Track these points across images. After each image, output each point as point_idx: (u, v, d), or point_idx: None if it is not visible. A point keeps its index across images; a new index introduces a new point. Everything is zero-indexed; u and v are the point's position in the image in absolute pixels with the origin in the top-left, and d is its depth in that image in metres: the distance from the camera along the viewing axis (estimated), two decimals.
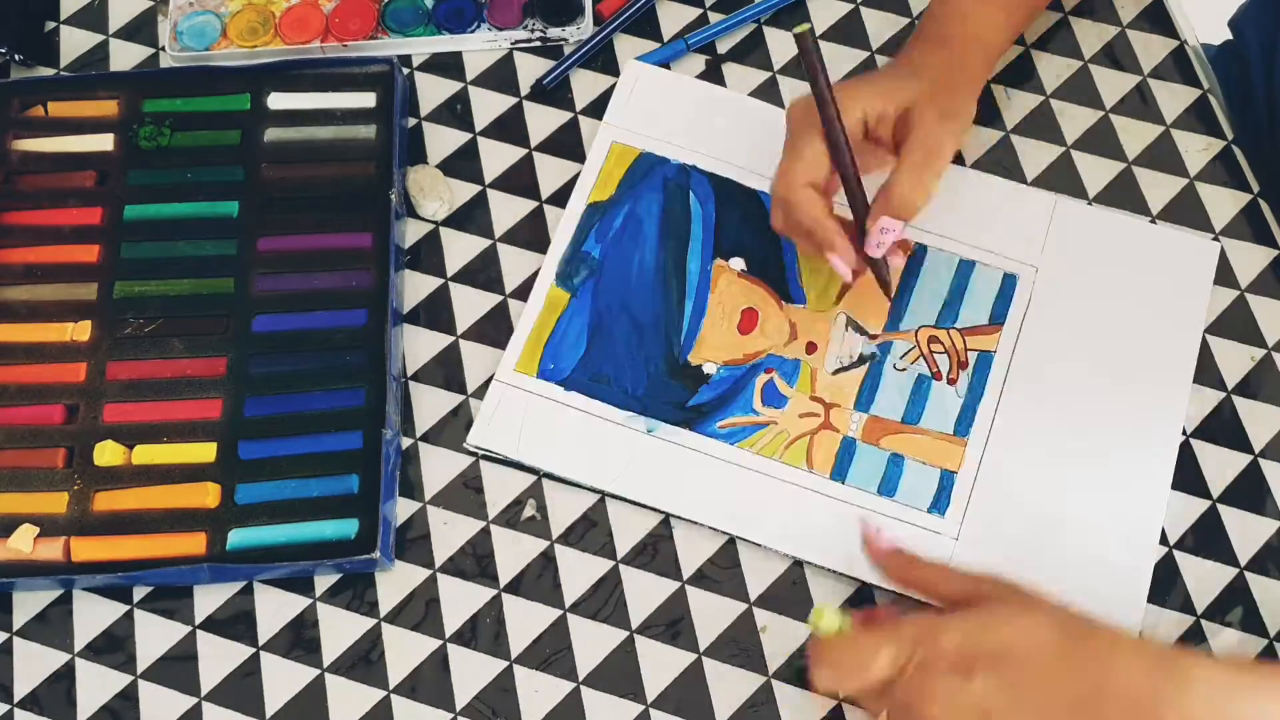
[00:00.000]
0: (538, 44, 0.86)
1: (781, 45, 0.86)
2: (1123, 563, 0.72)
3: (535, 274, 0.79)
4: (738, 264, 0.79)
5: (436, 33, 0.86)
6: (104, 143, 0.83)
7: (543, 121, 0.84)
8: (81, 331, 0.77)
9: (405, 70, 0.86)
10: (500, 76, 0.86)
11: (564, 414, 0.75)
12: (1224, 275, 0.79)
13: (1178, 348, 0.77)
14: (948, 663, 0.60)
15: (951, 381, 0.76)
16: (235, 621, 0.72)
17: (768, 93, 0.84)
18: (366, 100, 0.83)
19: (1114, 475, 0.74)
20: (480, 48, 0.86)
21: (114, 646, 0.72)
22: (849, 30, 0.86)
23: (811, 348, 0.77)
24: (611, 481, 0.74)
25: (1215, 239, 0.79)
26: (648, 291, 0.78)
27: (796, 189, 0.69)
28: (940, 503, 0.73)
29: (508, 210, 0.82)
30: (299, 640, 0.72)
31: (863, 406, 0.76)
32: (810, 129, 0.69)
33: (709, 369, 0.76)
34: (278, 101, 0.84)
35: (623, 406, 0.75)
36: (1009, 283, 0.78)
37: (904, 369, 0.76)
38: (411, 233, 0.82)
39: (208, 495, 0.73)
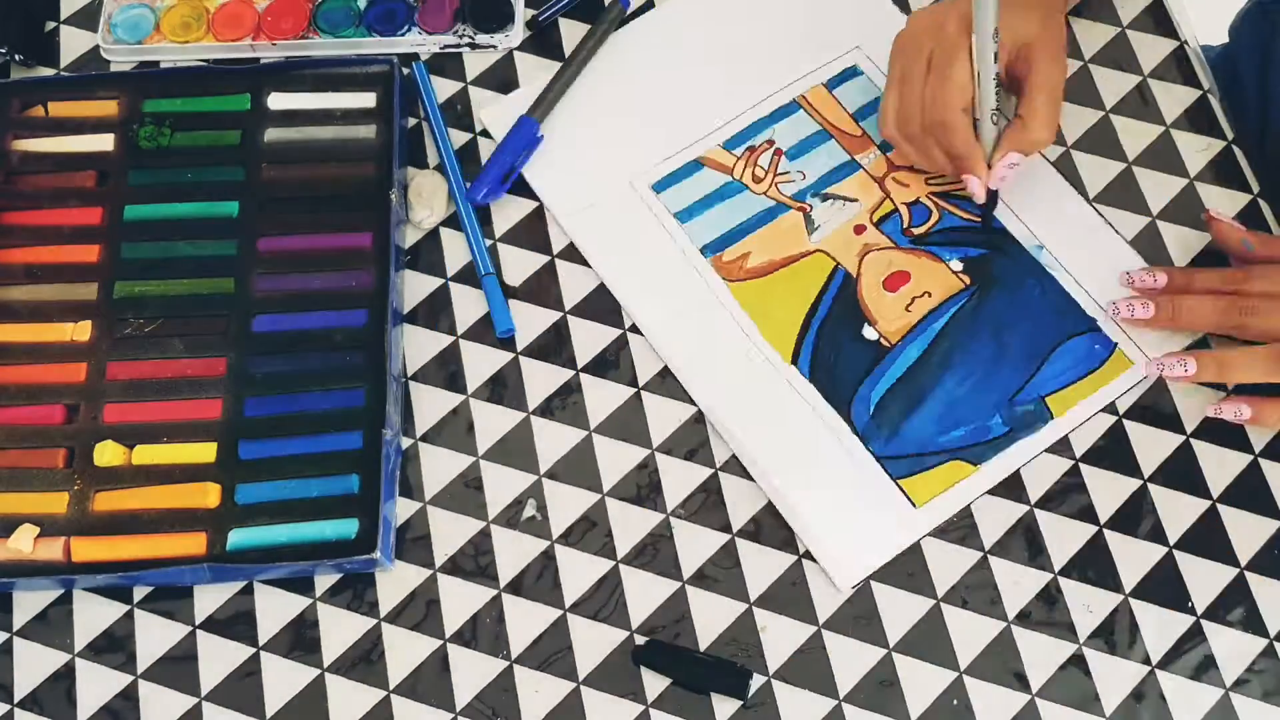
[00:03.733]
0: (466, 49, 0.87)
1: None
2: None
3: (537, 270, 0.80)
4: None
5: (367, 34, 0.87)
6: (104, 143, 0.84)
7: None
8: (82, 332, 0.78)
9: (405, 70, 0.87)
10: (500, 77, 0.86)
11: None
12: None
13: None
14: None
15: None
16: (235, 621, 0.73)
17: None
18: (366, 100, 0.84)
19: None
20: (407, 50, 0.87)
21: (114, 646, 0.72)
22: None
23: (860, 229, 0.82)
24: None
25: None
26: None
27: (954, 112, 0.74)
28: None
29: (508, 210, 0.82)
30: (299, 640, 0.72)
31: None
32: (958, 52, 0.73)
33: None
34: (278, 101, 0.85)
35: None
36: None
37: None
38: (411, 233, 0.82)
39: (208, 495, 0.73)
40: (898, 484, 0.74)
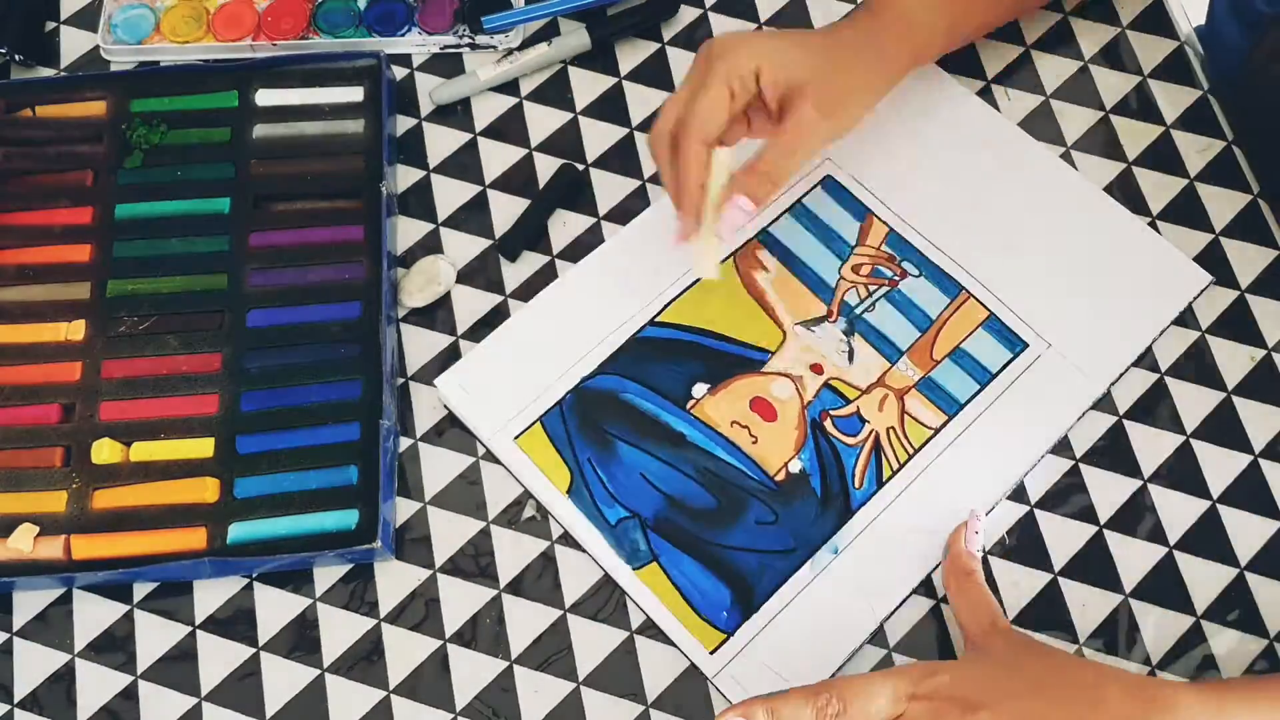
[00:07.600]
0: (466, 49, 0.90)
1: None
2: None
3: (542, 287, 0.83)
4: (701, 389, 0.80)
5: (367, 35, 0.90)
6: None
7: (542, 121, 0.88)
8: (76, 331, 0.81)
9: (405, 70, 0.90)
10: None
11: None
12: (1224, 275, 0.82)
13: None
14: (953, 703, 0.63)
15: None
16: (235, 621, 0.75)
17: None
18: (354, 95, 0.88)
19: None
20: (408, 50, 0.91)
21: (114, 646, 0.75)
22: None
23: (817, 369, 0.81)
24: None
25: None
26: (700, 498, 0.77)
27: (692, 141, 0.71)
28: (1013, 344, 0.80)
29: (508, 210, 0.85)
30: (299, 640, 0.75)
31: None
32: (719, 80, 0.70)
33: (795, 467, 0.78)
34: (266, 98, 0.88)
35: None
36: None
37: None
38: (412, 232, 0.85)
39: (207, 490, 0.76)
40: None
